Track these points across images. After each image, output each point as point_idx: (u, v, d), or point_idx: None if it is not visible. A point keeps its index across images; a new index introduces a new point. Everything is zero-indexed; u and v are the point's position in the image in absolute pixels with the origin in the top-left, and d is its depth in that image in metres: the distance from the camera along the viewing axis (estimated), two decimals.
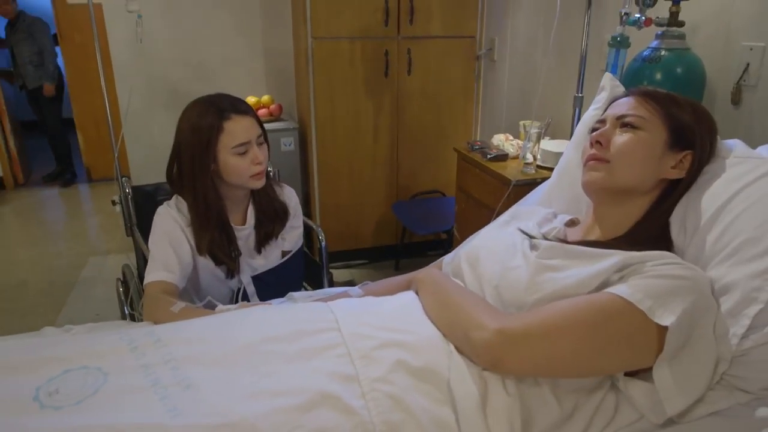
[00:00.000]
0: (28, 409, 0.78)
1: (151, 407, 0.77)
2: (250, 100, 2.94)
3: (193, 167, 1.28)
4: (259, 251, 1.43)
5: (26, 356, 0.90)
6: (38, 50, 4.39)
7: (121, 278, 1.88)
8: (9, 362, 0.88)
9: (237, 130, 1.26)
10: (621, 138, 0.97)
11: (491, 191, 1.98)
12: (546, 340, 0.80)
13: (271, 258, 1.47)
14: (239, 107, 1.28)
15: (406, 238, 3.04)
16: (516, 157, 2.06)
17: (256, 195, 1.42)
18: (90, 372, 0.84)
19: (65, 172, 4.77)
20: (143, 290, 1.29)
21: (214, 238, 1.33)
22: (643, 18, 1.49)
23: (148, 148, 3.09)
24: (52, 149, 4.75)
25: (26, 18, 4.39)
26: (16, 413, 0.77)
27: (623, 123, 0.98)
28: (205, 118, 1.25)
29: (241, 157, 1.27)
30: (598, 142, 0.99)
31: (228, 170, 1.29)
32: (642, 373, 0.85)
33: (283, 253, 1.51)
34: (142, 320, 1.23)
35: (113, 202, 1.92)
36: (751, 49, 1.44)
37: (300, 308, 1.02)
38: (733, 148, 1.03)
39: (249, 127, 1.28)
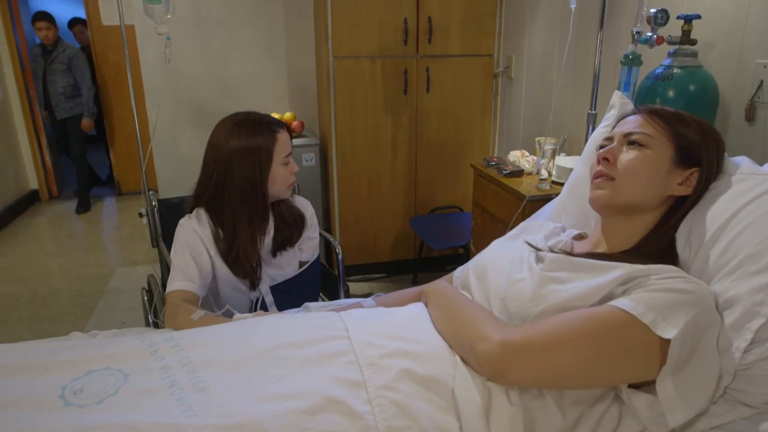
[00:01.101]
0: (54, 406, 0.83)
1: (168, 407, 0.82)
2: (273, 116, 3.02)
3: (251, 181, 1.36)
4: (274, 255, 1.48)
5: (54, 358, 0.95)
6: (74, 82, 4.29)
7: (146, 287, 1.95)
8: (39, 363, 0.94)
9: (285, 141, 1.40)
10: (627, 156, 0.99)
11: (506, 206, 2.00)
12: (548, 352, 0.82)
13: (289, 268, 1.52)
14: (281, 123, 1.42)
15: (423, 253, 3.06)
16: (531, 173, 2.08)
17: (275, 205, 1.48)
18: (112, 373, 0.90)
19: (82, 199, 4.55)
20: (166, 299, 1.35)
21: (247, 252, 1.40)
22: (655, 36, 1.51)
23: (174, 163, 3.19)
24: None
25: (65, 48, 4.23)
26: (42, 410, 0.82)
27: (630, 141, 1.00)
28: (260, 134, 1.36)
29: (285, 167, 1.40)
30: (605, 158, 1.01)
31: (274, 180, 1.39)
32: (646, 385, 0.86)
33: (300, 264, 1.56)
34: (164, 328, 1.29)
35: (140, 215, 2.00)
36: (765, 66, 1.45)
37: (312, 317, 1.06)
38: (740, 164, 1.04)
39: (289, 140, 1.42)
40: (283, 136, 1.39)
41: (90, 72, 4.39)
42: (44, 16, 4.17)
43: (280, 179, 1.40)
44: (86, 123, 4.38)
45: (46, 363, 0.93)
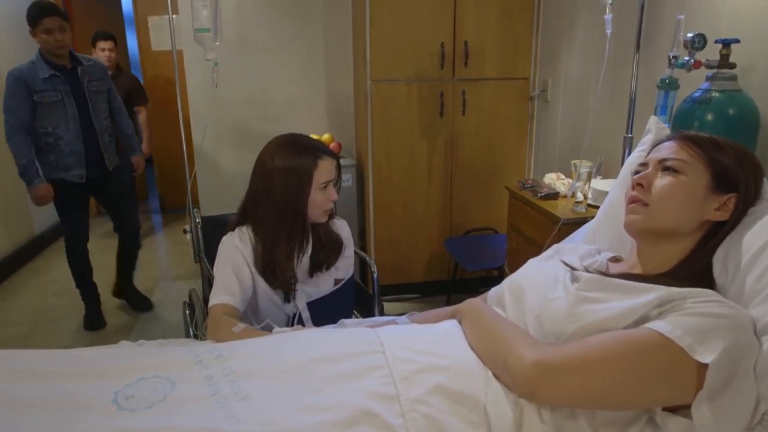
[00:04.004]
0: (107, 409, 0.88)
1: (212, 414, 0.86)
2: (314, 137, 3.11)
3: (291, 200, 1.42)
4: (311, 275, 1.53)
5: (108, 365, 1.02)
6: (110, 112, 2.79)
7: (188, 301, 2.02)
8: (93, 369, 1.00)
9: (327, 168, 1.44)
10: (661, 182, 1.00)
11: (541, 229, 2.00)
12: (582, 372, 0.83)
13: (324, 285, 1.57)
14: (329, 150, 1.47)
15: (458, 274, 3.07)
16: (566, 196, 2.08)
17: (314, 226, 1.53)
18: (160, 380, 0.95)
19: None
20: (207, 312, 1.41)
21: (283, 267, 1.45)
22: (692, 61, 1.51)
23: (216, 183, 3.30)
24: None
25: (91, 60, 2.72)
26: (96, 412, 0.88)
27: (664, 167, 1.01)
28: (303, 156, 1.42)
29: (322, 193, 1.44)
30: (639, 184, 1.02)
31: (311, 203, 1.44)
32: (681, 408, 0.85)
33: (336, 281, 1.60)
34: (205, 340, 1.34)
35: (184, 231, 2.07)
36: None
37: (348, 332, 1.10)
38: None
39: (333, 169, 1.46)
40: (325, 163, 1.43)
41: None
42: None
43: (317, 204, 1.45)
44: (140, 161, 2.99)
45: (100, 369, 0.99)
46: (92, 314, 2.90)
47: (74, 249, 2.79)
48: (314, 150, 1.44)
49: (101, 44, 3.55)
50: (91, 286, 2.91)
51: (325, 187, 1.44)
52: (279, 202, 1.42)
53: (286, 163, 1.41)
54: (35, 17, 2.40)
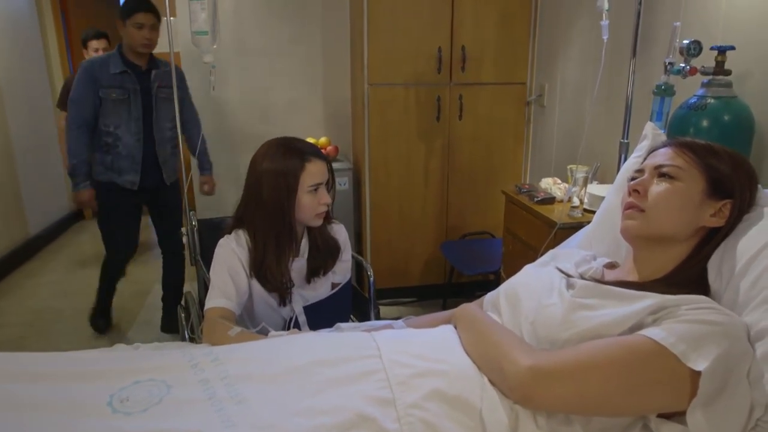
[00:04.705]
0: (102, 412, 0.88)
1: (208, 418, 0.86)
2: (309, 141, 3.11)
3: (277, 203, 1.41)
4: (308, 281, 1.53)
5: (103, 367, 1.01)
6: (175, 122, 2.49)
7: (183, 304, 2.02)
8: (88, 372, 1.00)
9: (315, 171, 1.42)
10: (658, 188, 1.00)
11: (537, 233, 2.01)
12: (576, 379, 0.83)
13: (321, 289, 1.56)
14: (318, 153, 1.46)
15: (454, 278, 3.07)
16: (562, 201, 2.09)
17: (311, 230, 1.53)
18: (156, 384, 0.95)
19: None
20: (203, 315, 1.40)
21: (273, 270, 1.44)
22: (688, 67, 1.52)
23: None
24: None
25: (165, 63, 2.51)
26: (91, 415, 0.88)
27: (660, 173, 1.01)
28: (290, 159, 1.41)
29: (311, 196, 1.42)
30: (635, 190, 1.03)
31: (300, 206, 1.43)
32: (676, 415, 0.86)
33: (333, 285, 1.60)
34: (201, 343, 1.34)
35: (181, 234, 2.07)
36: None
37: (345, 336, 1.10)
38: None
39: (323, 171, 1.45)
40: (313, 165, 1.41)
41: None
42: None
43: (307, 207, 1.43)
44: (209, 180, 2.76)
45: (96, 372, 0.99)
46: (101, 314, 2.84)
47: (113, 263, 2.73)
48: (302, 153, 1.42)
49: (94, 44, 3.37)
50: (113, 288, 2.85)
51: (315, 189, 1.43)
52: (267, 205, 1.42)
53: (274, 166, 1.41)
54: (130, 11, 2.34)
